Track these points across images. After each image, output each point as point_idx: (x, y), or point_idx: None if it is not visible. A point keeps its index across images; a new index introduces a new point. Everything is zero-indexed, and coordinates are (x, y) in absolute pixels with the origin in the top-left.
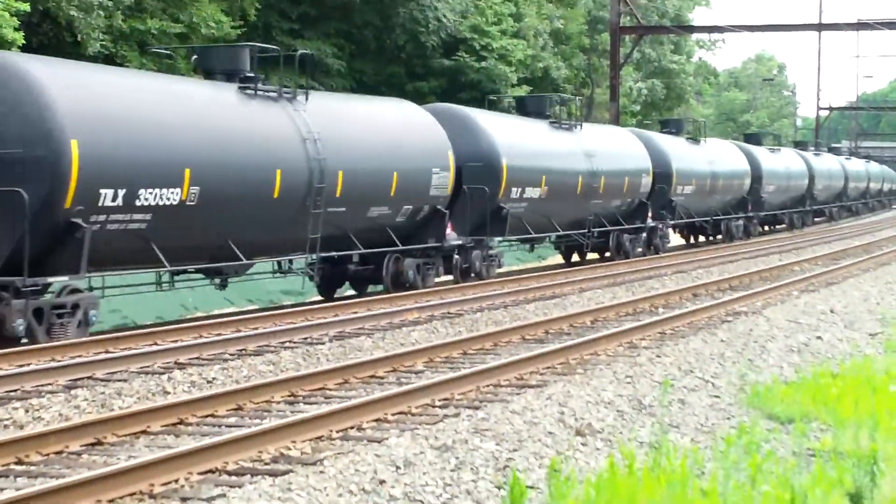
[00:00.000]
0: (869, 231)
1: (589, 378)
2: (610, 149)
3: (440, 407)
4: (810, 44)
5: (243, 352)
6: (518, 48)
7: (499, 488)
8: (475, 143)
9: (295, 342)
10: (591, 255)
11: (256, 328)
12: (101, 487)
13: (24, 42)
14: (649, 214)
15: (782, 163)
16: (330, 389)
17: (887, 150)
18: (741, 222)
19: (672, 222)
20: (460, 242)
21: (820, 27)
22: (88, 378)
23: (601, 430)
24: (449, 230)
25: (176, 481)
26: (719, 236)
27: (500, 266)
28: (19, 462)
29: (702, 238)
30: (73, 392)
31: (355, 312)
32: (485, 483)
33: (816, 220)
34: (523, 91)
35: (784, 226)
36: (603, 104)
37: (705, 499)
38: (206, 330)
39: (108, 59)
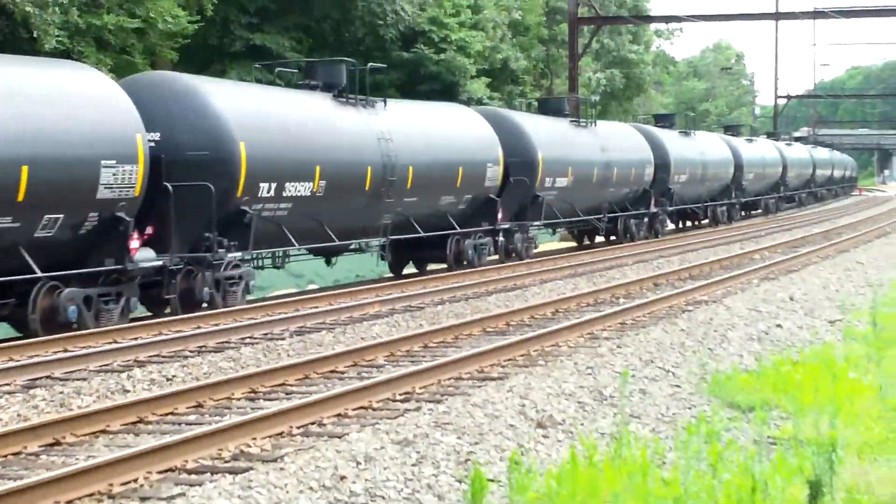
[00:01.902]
0: (829, 218)
1: (550, 370)
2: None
3: (401, 401)
4: (768, 33)
5: (203, 348)
6: (477, 40)
7: (460, 482)
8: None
9: (255, 338)
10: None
11: (217, 324)
12: (60, 488)
13: None
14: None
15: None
16: (290, 385)
17: (846, 137)
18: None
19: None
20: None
21: (777, 16)
22: (47, 377)
23: (562, 421)
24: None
25: (135, 480)
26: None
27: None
28: None
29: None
30: (31, 392)
31: (316, 307)
32: (446, 477)
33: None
34: (482, 83)
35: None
36: (563, 95)
37: (666, 488)
38: (165, 327)
39: (65, 55)
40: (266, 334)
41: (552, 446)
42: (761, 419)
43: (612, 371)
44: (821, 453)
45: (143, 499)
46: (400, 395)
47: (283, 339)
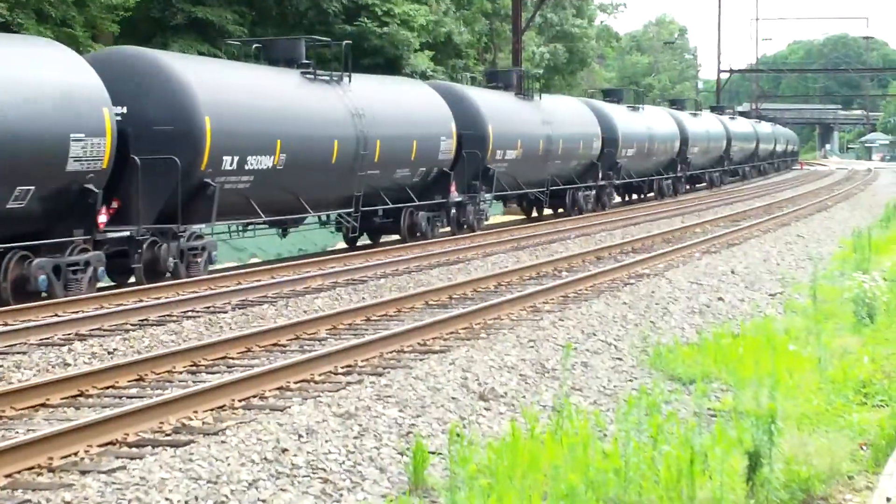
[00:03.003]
0: (770, 192)
1: (492, 343)
2: (566, 116)
3: (343, 374)
4: (711, 7)
5: (145, 322)
6: (420, 14)
7: (402, 454)
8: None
9: (197, 311)
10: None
11: (158, 298)
12: None
13: None
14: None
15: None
16: (232, 358)
17: (788, 111)
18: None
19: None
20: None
21: None
22: None
23: (504, 394)
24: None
25: (76, 454)
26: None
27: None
28: None
29: (635, 196)
30: None
31: (258, 280)
32: (388, 450)
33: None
34: (426, 56)
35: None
36: (506, 69)
37: (607, 460)
38: (106, 301)
39: (5, 27)
40: (208, 307)
41: (494, 419)
42: (702, 391)
43: (554, 344)
44: (760, 425)
45: (83, 472)
46: (342, 368)
47: (225, 312)
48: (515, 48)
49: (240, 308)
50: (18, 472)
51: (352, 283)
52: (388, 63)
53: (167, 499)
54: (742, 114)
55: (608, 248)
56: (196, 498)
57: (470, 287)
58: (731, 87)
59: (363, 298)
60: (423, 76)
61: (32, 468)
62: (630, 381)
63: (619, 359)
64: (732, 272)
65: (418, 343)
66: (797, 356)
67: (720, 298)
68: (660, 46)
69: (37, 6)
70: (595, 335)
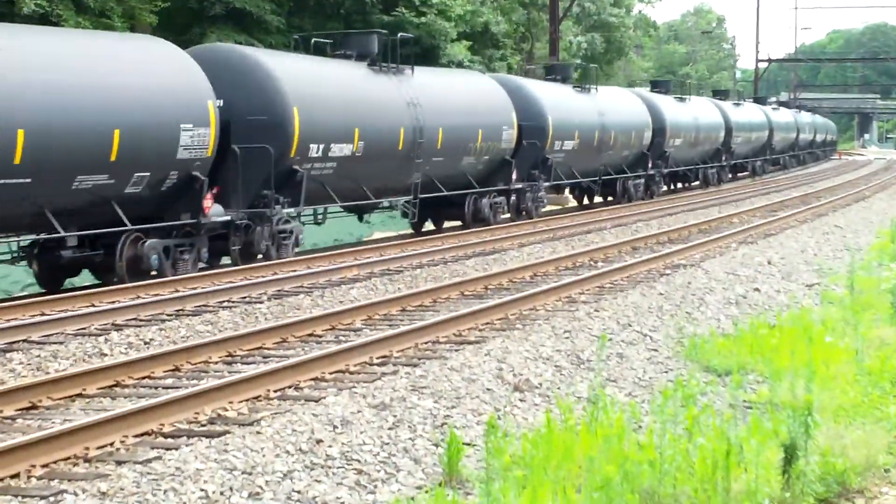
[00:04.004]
0: (808, 182)
1: (528, 333)
2: (619, 108)
3: (378, 365)
4: None
5: (181, 312)
6: (457, 3)
7: (436, 446)
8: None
9: (234, 301)
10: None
11: (195, 288)
12: (36, 452)
13: None
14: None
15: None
16: (268, 349)
17: (826, 101)
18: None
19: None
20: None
21: None
22: (24, 341)
23: (539, 385)
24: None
25: (111, 444)
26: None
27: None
28: None
29: (681, 185)
30: (8, 355)
31: (294, 270)
32: (422, 441)
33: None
34: (464, 46)
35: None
36: (543, 58)
37: (642, 452)
38: (143, 291)
39: (44, 19)
40: (244, 298)
41: (529, 410)
42: (737, 383)
43: (589, 335)
44: (796, 417)
45: (119, 462)
46: (377, 358)
47: (261, 302)
48: (553, 38)
49: (276, 298)
50: (55, 462)
51: (387, 273)
52: (425, 53)
53: (202, 489)
54: (781, 103)
55: (644, 239)
56: (231, 489)
57: (505, 277)
58: (769, 77)
59: (399, 289)
60: (460, 66)
61: (69, 458)
62: (665, 372)
63: (655, 350)
64: (769, 262)
65: (454, 334)
66: (834, 347)
67: (756, 289)
68: (698, 36)
69: None
70: (630, 326)
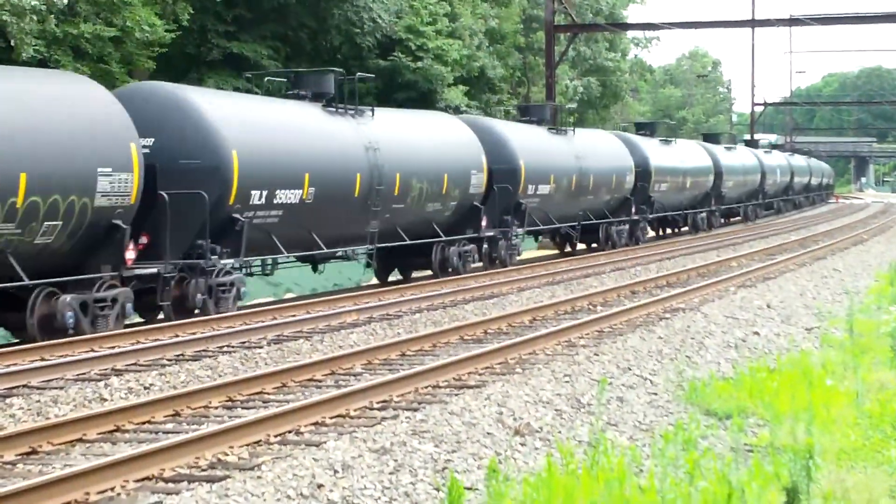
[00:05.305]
0: (806, 225)
1: (527, 377)
2: (598, 150)
3: (379, 409)
4: (744, 40)
5: (181, 357)
6: (453, 48)
7: (437, 490)
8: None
9: (233, 346)
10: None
11: (194, 333)
12: (36, 497)
13: None
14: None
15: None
16: (268, 393)
17: (822, 144)
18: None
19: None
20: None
21: (753, 23)
22: (24, 386)
23: (540, 429)
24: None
25: (112, 489)
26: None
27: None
28: None
29: (669, 230)
30: (8, 401)
31: (294, 316)
32: (423, 485)
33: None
34: (459, 91)
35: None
36: (539, 102)
37: (643, 496)
38: (143, 336)
39: (42, 64)
40: (244, 343)
41: (529, 454)
42: (738, 426)
43: (589, 379)
44: (797, 460)
45: None
46: (377, 403)
47: (260, 347)
48: (549, 82)
49: (275, 343)
50: None
51: (387, 318)
52: (422, 97)
53: None
54: (775, 147)
55: (643, 283)
56: None
57: (505, 322)
58: (764, 120)
59: (398, 333)
60: (457, 110)
61: (69, 503)
62: (666, 415)
63: (655, 393)
64: (768, 306)
65: (454, 378)
66: (834, 391)
67: (756, 333)
68: (693, 80)
69: (74, 43)
70: (630, 370)
